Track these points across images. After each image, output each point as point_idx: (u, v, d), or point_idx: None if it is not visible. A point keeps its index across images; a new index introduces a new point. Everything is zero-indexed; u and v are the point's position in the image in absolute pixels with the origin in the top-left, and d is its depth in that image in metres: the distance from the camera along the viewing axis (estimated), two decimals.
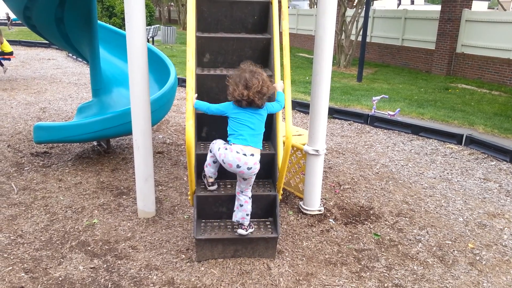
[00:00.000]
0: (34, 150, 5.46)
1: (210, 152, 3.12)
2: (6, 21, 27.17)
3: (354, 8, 14.47)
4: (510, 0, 19.32)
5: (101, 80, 5.55)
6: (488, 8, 34.96)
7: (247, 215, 3.06)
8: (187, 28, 3.05)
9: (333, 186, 4.69)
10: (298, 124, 7.21)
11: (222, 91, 3.27)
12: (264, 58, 3.60)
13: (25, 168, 4.87)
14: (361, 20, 13.23)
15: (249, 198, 3.08)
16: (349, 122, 7.42)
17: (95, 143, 5.68)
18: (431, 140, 6.47)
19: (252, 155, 2.90)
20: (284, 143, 2.91)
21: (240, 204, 3.06)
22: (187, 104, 2.84)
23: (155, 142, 5.91)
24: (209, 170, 3.18)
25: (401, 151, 5.98)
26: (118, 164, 5.08)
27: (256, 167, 2.94)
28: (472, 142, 6.13)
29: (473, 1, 13.80)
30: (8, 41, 12.19)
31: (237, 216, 3.07)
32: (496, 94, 10.37)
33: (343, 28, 14.24)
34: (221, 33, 3.61)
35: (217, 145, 3.03)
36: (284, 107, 3.12)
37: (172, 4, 41.24)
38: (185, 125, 2.76)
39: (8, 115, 7.10)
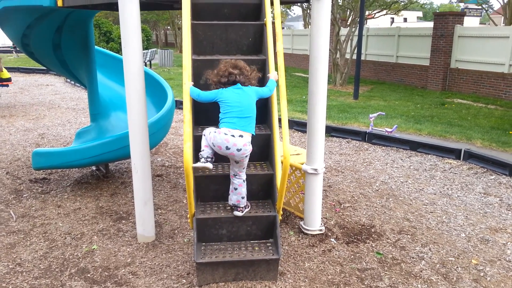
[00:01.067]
0: (33, 176, 5.44)
1: (204, 136, 3.08)
2: (12, 49, 27.59)
3: (348, 27, 14.68)
4: (500, 15, 19.67)
5: (99, 104, 5.59)
6: (480, 23, 35.52)
7: (242, 198, 3.11)
8: (183, 51, 3.08)
9: (334, 204, 4.66)
10: (296, 144, 7.22)
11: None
12: (260, 79, 3.63)
13: (24, 195, 4.84)
14: (355, 39, 13.40)
15: (243, 181, 3.12)
16: (347, 140, 7.44)
17: (93, 167, 5.67)
18: (429, 155, 6.47)
19: (241, 136, 2.94)
20: (282, 162, 2.91)
21: (234, 188, 3.11)
22: (185, 126, 2.85)
23: (154, 165, 5.90)
24: (206, 152, 3.04)
25: (400, 167, 5.98)
26: (117, 189, 5.06)
27: (246, 149, 2.96)
28: (470, 156, 6.13)
29: (465, 17, 14.04)
30: (7, 68, 12.31)
31: (232, 199, 3.13)
32: (492, 108, 10.44)
33: (338, 47, 14.41)
34: (216, 55, 3.65)
35: (208, 129, 3.05)
36: (272, 92, 3.22)
37: (168, 27, 41.80)
38: (183, 147, 2.77)
39: (6, 142, 7.10)
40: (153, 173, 5.50)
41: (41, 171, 5.57)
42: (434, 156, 6.44)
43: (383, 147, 6.96)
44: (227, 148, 2.92)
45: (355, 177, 5.56)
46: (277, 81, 3.28)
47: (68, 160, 4.66)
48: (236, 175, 3.11)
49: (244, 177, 3.13)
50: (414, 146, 6.75)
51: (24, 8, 4.24)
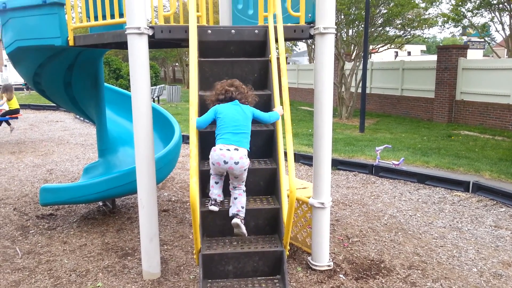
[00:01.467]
0: (40, 212, 5.45)
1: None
2: (24, 86, 28.44)
3: (352, 62, 14.90)
4: (504, 47, 19.93)
5: (107, 140, 5.66)
6: (484, 56, 35.92)
7: (242, 207, 3.13)
8: (190, 88, 3.15)
9: (342, 239, 4.59)
10: (303, 177, 7.20)
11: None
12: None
13: (30, 231, 4.84)
14: (360, 73, 13.58)
15: (243, 191, 3.16)
16: (354, 173, 7.40)
17: (100, 203, 5.67)
18: (438, 188, 6.40)
19: (236, 149, 3.00)
20: (288, 196, 2.90)
21: (234, 198, 3.14)
22: (191, 161, 2.87)
23: (160, 200, 5.89)
24: (213, 192, 3.20)
25: (408, 200, 5.91)
26: (123, 224, 5.04)
27: (244, 162, 3.02)
28: (479, 189, 6.06)
29: (468, 50, 14.23)
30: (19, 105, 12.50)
31: (233, 210, 3.14)
32: (499, 140, 10.39)
33: (343, 81, 14.59)
34: None
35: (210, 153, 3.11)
36: (270, 122, 3.29)
37: (176, 64, 42.72)
38: (189, 182, 2.79)
39: (15, 178, 7.16)
40: (160, 208, 5.48)
41: (48, 207, 5.58)
42: (442, 188, 6.37)
43: (391, 180, 6.91)
44: (225, 162, 2.98)
45: (363, 211, 5.49)
46: (282, 116, 3.31)
47: (75, 195, 4.68)
48: (235, 187, 3.16)
49: (244, 188, 3.17)
50: (422, 178, 6.70)
51: (37, 48, 4.39)
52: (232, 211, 3.14)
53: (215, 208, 3.16)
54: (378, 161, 7.41)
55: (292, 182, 2.88)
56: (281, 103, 3.36)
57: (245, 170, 3.08)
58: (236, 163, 2.99)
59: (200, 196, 3.31)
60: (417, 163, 7.79)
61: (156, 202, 3.67)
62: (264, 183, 3.45)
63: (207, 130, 3.52)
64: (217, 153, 3.01)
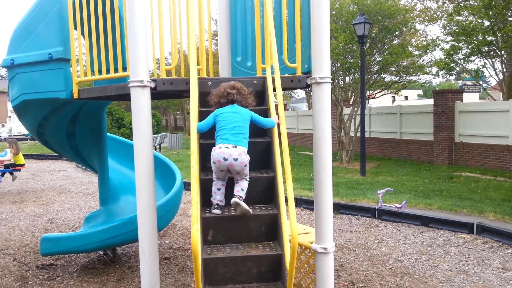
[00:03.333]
0: (40, 262, 5.38)
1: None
2: (27, 137, 29.01)
3: (351, 107, 15.18)
4: (498, 90, 20.35)
5: (109, 188, 5.68)
6: (480, 98, 36.52)
7: (242, 189, 3.26)
8: (191, 137, 3.22)
9: (347, 285, 4.51)
10: (305, 222, 7.15)
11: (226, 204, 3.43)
12: (265, 159, 3.73)
13: (30, 282, 4.76)
14: (358, 117, 13.81)
15: (246, 180, 3.30)
16: (356, 216, 7.36)
17: (101, 252, 5.61)
18: (442, 230, 6.35)
19: (235, 147, 3.18)
20: (290, 242, 2.90)
21: (236, 183, 3.29)
22: (192, 208, 2.89)
23: (161, 248, 5.83)
24: (216, 198, 3.34)
25: (412, 244, 5.84)
26: (124, 273, 4.96)
27: (243, 158, 3.17)
28: (484, 230, 6.01)
29: (464, 93, 14.53)
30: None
31: (234, 190, 3.26)
32: (501, 180, 10.38)
33: (342, 126, 14.79)
34: None
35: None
36: (266, 126, 3.44)
37: (178, 112, 43.42)
38: (191, 230, 2.79)
39: (16, 228, 7.12)
40: (161, 256, 5.42)
41: (49, 256, 5.52)
42: (446, 231, 6.31)
43: (394, 223, 6.86)
44: (225, 159, 3.15)
45: (367, 255, 5.42)
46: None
47: (76, 245, 4.65)
48: (238, 180, 3.29)
49: (247, 179, 3.32)
50: (426, 221, 6.65)
51: (42, 101, 4.51)
52: (234, 192, 3.26)
53: (218, 211, 3.25)
54: (381, 204, 7.38)
55: (293, 227, 2.89)
56: (281, 150, 3.42)
57: (245, 166, 3.21)
58: (236, 159, 3.15)
59: (201, 243, 3.30)
60: (419, 205, 7.76)
61: (157, 250, 3.65)
62: (266, 229, 3.44)
63: (207, 177, 3.57)
64: (217, 152, 3.19)
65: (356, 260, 5.27)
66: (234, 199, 3.22)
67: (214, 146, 3.28)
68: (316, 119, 3.67)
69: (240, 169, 3.21)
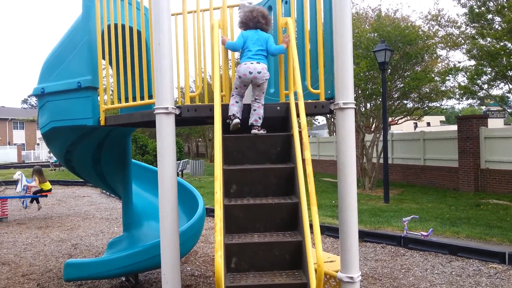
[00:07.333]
0: None
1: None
2: (49, 163, 29.79)
3: (372, 133, 15.05)
4: None
5: (132, 214, 5.73)
6: (505, 124, 35.71)
7: (259, 118, 3.69)
8: (214, 163, 3.24)
9: None
10: (329, 250, 7.01)
11: (249, 220, 3.40)
12: (288, 186, 3.71)
13: None
14: (380, 144, 13.65)
15: (262, 104, 3.72)
16: (381, 245, 7.17)
17: (123, 278, 5.60)
18: (471, 260, 6.11)
19: (258, 62, 3.66)
20: (316, 271, 2.83)
21: (253, 109, 3.70)
22: (216, 234, 2.88)
23: (183, 275, 5.79)
24: (232, 109, 3.72)
25: (441, 273, 5.64)
26: None
27: (265, 73, 3.66)
28: None
29: (489, 119, 14.24)
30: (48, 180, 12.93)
31: (251, 119, 3.70)
32: None
33: (364, 152, 14.64)
34: (246, 165, 3.80)
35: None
36: (275, 52, 3.79)
37: (200, 139, 43.87)
38: (213, 256, 2.77)
39: (40, 253, 7.20)
40: (183, 283, 5.37)
41: (72, 282, 5.54)
42: (476, 260, 6.08)
43: (421, 252, 6.65)
44: (250, 72, 3.62)
45: (394, 285, 5.25)
46: (306, 188, 3.34)
47: (99, 270, 4.66)
48: (256, 99, 3.71)
49: (263, 101, 3.73)
50: (454, 250, 6.43)
51: (70, 128, 4.64)
52: (250, 120, 3.70)
53: (237, 121, 3.65)
54: (406, 232, 7.19)
55: (319, 256, 2.83)
56: (305, 176, 3.40)
57: (266, 79, 3.68)
58: (259, 72, 3.63)
59: (224, 271, 3.26)
60: (446, 233, 7.52)
61: (179, 277, 3.62)
62: (290, 257, 3.39)
63: (231, 203, 3.56)
64: (243, 67, 3.65)
65: None
66: (254, 131, 3.67)
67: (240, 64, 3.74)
68: (340, 145, 3.65)
69: (261, 82, 3.66)
